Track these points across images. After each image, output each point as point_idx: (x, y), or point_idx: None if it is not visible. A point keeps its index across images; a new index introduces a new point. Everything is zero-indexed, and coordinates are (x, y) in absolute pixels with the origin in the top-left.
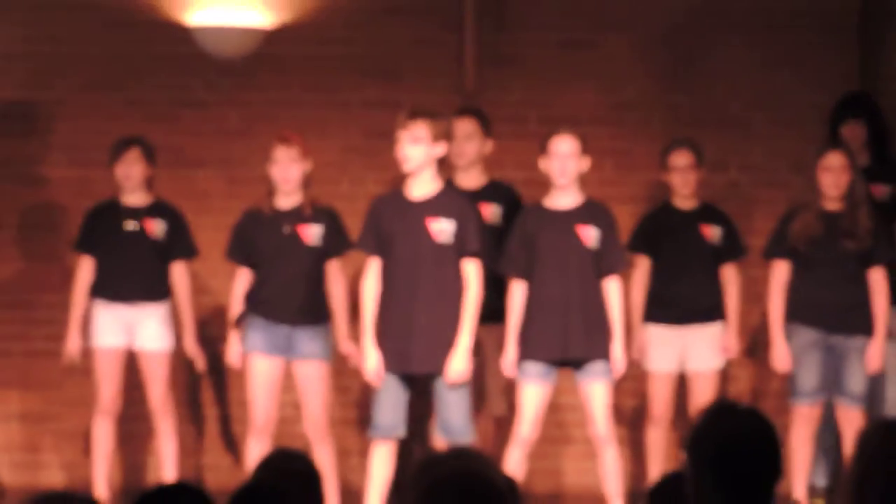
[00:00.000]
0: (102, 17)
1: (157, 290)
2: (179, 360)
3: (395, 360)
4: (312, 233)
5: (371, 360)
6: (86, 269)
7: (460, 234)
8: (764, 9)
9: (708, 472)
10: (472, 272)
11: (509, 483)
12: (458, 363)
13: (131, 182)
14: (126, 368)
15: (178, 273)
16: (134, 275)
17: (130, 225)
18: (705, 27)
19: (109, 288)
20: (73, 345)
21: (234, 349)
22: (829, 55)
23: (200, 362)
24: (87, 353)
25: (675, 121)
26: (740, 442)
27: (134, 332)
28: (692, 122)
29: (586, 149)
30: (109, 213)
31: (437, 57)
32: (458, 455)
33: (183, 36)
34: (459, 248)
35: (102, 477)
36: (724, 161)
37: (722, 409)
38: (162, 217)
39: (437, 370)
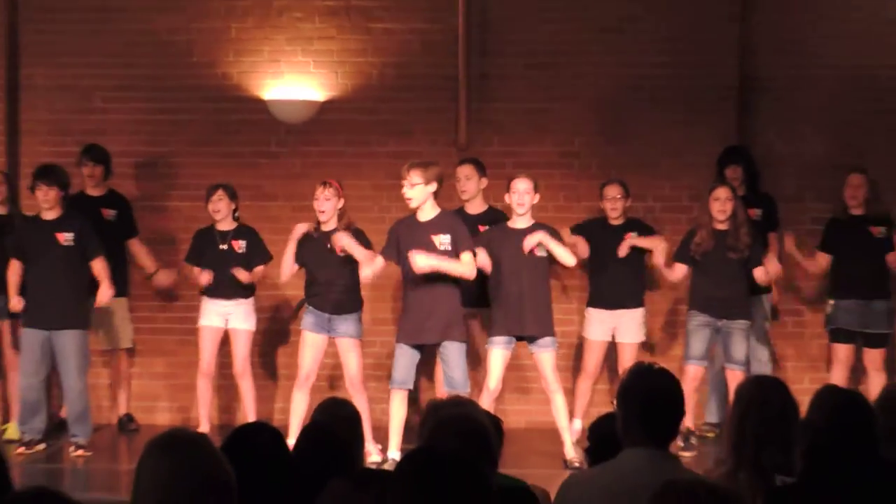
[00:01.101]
0: (202, 93)
1: (243, 289)
2: (258, 337)
3: (412, 334)
4: None
5: None
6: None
7: (454, 242)
8: (668, 85)
9: (632, 413)
10: (466, 258)
11: (495, 421)
12: (422, 259)
13: (219, 214)
14: (220, 344)
15: (256, 273)
16: (227, 278)
17: (222, 244)
18: (628, 98)
19: (212, 287)
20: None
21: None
22: (716, 117)
23: None
24: (195, 331)
25: (607, 165)
26: (655, 391)
27: (228, 318)
28: (620, 166)
29: (539, 187)
30: (208, 235)
31: (440, 121)
32: (457, 402)
33: (261, 106)
34: (455, 252)
35: (206, 418)
36: (643, 193)
37: (642, 369)
38: (243, 238)
39: (442, 339)
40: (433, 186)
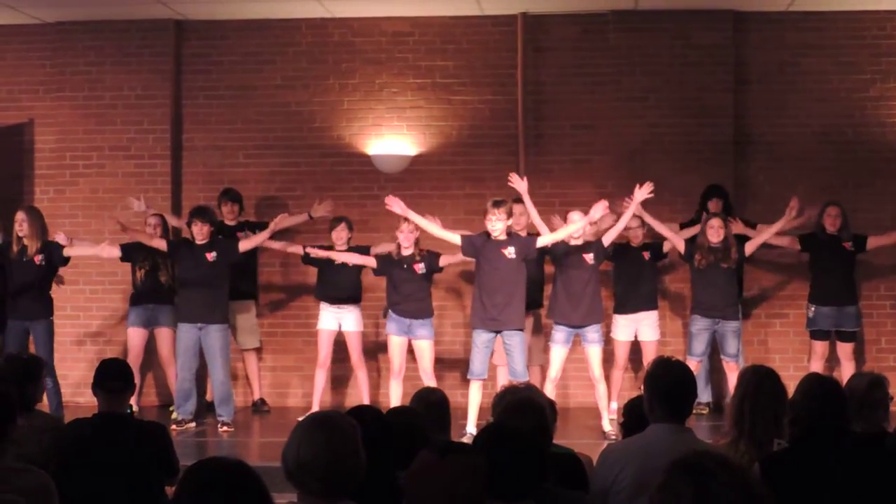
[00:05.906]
0: (322, 150)
1: (355, 296)
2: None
3: (489, 324)
4: (420, 266)
5: None
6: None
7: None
8: (680, 141)
9: (656, 395)
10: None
11: (551, 403)
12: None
13: (340, 241)
14: (335, 342)
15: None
16: (341, 287)
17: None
18: (650, 151)
19: (329, 295)
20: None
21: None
22: (717, 165)
23: None
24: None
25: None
26: (674, 378)
27: (341, 321)
28: (643, 204)
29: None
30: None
31: (504, 170)
32: (526, 387)
33: (366, 160)
34: (521, 260)
35: (318, 402)
36: (661, 220)
37: (662, 361)
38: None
39: (510, 328)
40: (509, 220)
